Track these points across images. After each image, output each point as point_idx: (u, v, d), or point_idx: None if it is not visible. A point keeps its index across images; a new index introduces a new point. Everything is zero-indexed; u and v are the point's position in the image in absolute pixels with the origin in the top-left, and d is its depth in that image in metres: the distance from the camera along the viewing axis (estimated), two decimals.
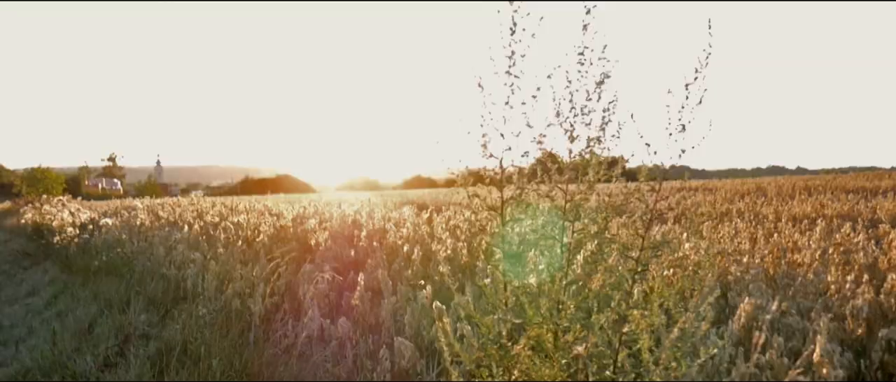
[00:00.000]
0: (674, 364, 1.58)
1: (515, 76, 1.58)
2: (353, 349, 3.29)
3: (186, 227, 7.32)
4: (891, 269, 2.86)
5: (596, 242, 1.70)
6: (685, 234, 3.89)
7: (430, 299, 2.83)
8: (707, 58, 1.47)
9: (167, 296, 5.65)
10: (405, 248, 4.48)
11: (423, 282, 3.11)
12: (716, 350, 1.73)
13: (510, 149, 1.67)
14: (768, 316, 2.44)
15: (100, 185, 70.68)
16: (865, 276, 2.93)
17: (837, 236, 5.16)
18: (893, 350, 2.51)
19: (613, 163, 1.99)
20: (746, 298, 2.41)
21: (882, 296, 2.68)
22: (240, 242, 5.80)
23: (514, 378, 1.53)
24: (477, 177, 1.90)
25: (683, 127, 1.52)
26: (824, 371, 2.02)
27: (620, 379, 1.57)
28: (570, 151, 1.75)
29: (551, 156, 1.89)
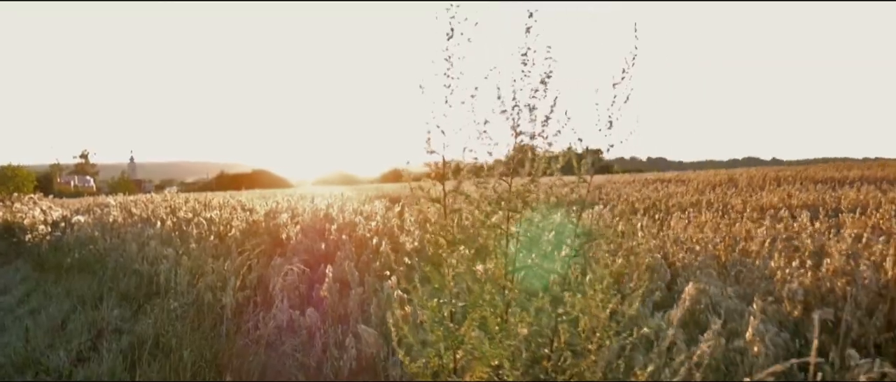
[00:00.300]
0: (607, 342, 1.70)
1: (453, 77, 1.69)
2: (321, 338, 3.39)
3: (159, 223, 7.35)
4: (836, 255, 3.02)
5: (535, 230, 1.81)
6: (619, 222, 4.04)
7: (394, 289, 2.94)
8: (633, 59, 1.59)
9: (140, 292, 5.70)
10: (374, 241, 4.58)
11: (388, 273, 3.21)
12: (647, 330, 1.86)
13: (446, 146, 1.78)
14: (709, 300, 2.59)
15: (72, 183, 69.72)
16: (809, 262, 3.09)
17: (795, 224, 5.35)
18: (828, 330, 2.67)
19: (566, 156, 2.11)
20: (691, 283, 2.55)
21: (820, 280, 2.84)
22: (212, 237, 5.86)
23: (459, 357, 1.64)
24: (438, 173, 2.02)
25: (611, 123, 1.64)
26: (756, 348, 2.16)
27: (557, 357, 1.69)
28: (514, 146, 1.86)
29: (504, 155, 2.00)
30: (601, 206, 10.24)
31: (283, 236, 5.49)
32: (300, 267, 4.15)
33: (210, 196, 14.64)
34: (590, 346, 1.65)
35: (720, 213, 8.62)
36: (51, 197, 23.19)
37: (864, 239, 3.54)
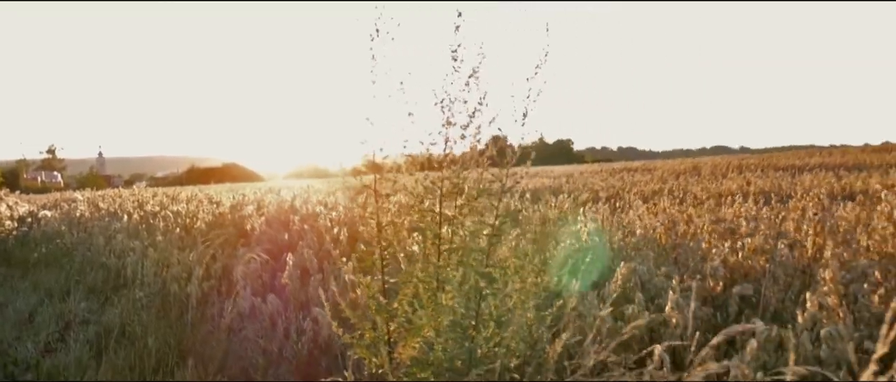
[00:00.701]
0: (529, 315, 1.88)
1: (381, 73, 1.85)
2: (283, 324, 3.54)
3: (126, 217, 7.41)
4: (767, 236, 3.24)
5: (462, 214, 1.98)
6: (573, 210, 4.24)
7: (347, 273, 3.10)
8: (545, 56, 1.76)
9: (108, 284, 5.78)
10: (335, 230, 4.73)
11: (345, 259, 3.38)
12: (562, 301, 2.04)
13: (364, 140, 1.94)
14: (636, 277, 2.79)
15: (39, 179, 68.60)
16: (740, 243, 3.31)
17: (742, 209, 5.60)
18: (751, 305, 2.89)
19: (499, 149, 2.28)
20: (623, 263, 2.75)
21: (744, 258, 3.06)
22: (178, 230, 5.96)
23: (393, 329, 1.81)
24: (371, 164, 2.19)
25: (525, 114, 1.81)
26: (674, 320, 2.36)
27: (481, 326, 1.87)
28: (447, 139, 2.02)
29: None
30: (565, 195, 10.49)
31: (248, 227, 5.61)
32: (263, 256, 4.28)
33: (179, 190, 14.63)
34: (512, 317, 1.83)
35: (679, 201, 8.90)
36: (18, 193, 22.91)
37: (795, 221, 3.79)
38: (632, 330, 2.06)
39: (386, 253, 1.89)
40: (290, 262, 3.87)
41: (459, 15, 2.00)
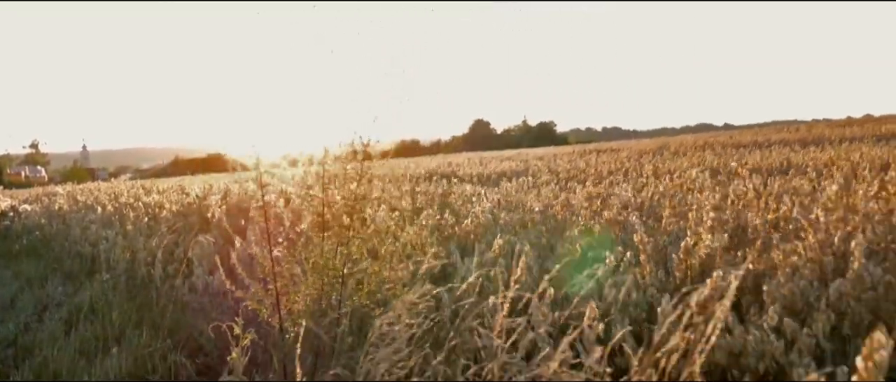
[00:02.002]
0: (385, 272, 2.43)
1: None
2: (231, 297, 4.07)
3: (101, 209, 7.90)
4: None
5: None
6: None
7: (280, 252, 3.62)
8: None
9: (82, 270, 6.29)
10: (284, 215, 5.26)
11: (281, 239, 3.90)
12: (436, 261, 2.58)
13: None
14: (518, 247, 3.34)
15: (23, 173, 68.48)
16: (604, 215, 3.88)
17: (657, 185, 6.19)
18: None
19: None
20: (500, 236, 3.29)
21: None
22: (146, 219, 6.46)
23: (280, 286, 2.35)
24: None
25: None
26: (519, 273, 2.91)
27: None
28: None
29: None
30: (526, 177, 11.05)
31: (209, 215, 6.12)
32: (217, 239, 4.80)
33: (158, 182, 15.10)
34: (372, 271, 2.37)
35: (633, 179, 9.49)
36: (1, 188, 23.25)
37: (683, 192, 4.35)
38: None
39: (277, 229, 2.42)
40: (239, 244, 4.40)
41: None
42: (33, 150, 76.92)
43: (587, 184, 8.75)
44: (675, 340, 1.20)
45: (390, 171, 15.14)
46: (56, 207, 9.54)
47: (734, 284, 1.24)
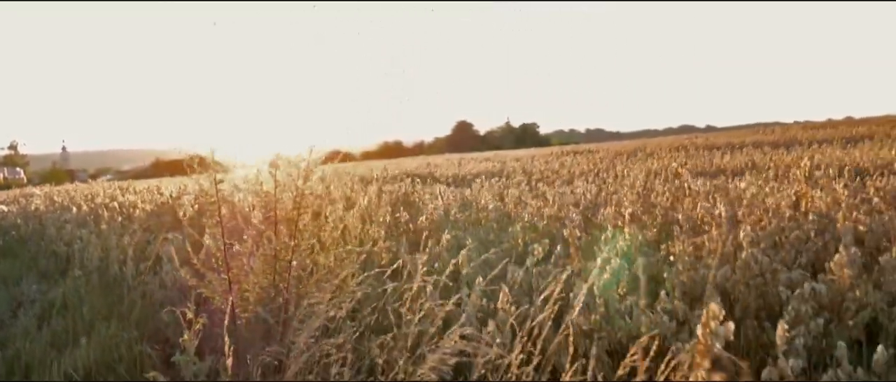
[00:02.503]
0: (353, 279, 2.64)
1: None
2: (195, 291, 4.26)
3: (76, 209, 8.04)
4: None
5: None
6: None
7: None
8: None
9: (57, 269, 6.43)
10: (252, 213, 5.45)
11: (245, 236, 4.09)
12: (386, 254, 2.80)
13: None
14: (447, 236, 3.56)
15: (1, 175, 67.79)
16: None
17: (613, 185, 6.46)
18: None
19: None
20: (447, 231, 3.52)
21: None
22: (120, 218, 6.62)
23: (232, 273, 2.56)
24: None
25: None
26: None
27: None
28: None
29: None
30: (501, 178, 11.30)
31: (181, 214, 6.28)
32: (183, 237, 4.99)
33: (136, 183, 15.18)
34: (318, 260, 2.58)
35: (602, 180, 9.77)
36: None
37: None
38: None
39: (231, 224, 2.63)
40: (207, 241, 4.59)
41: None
42: (12, 152, 76.12)
43: (555, 184, 9.05)
44: (544, 314, 1.43)
45: (368, 171, 15.35)
46: (32, 208, 9.65)
47: (596, 270, 1.47)
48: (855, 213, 3.04)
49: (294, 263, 2.64)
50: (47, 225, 7.81)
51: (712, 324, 1.46)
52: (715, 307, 1.44)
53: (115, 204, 7.86)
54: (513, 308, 2.08)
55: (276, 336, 2.42)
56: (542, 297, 1.95)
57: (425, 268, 3.07)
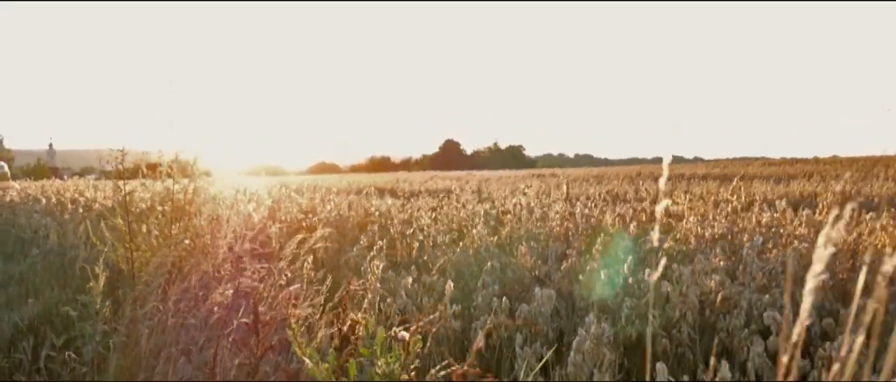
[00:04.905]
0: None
1: None
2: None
3: (45, 201, 8.90)
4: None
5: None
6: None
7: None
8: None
9: (22, 252, 7.29)
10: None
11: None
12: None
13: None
14: (381, 243, 4.47)
15: None
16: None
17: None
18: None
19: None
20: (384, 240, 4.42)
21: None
22: (81, 210, 7.49)
23: (136, 250, 3.46)
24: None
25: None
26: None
27: None
28: None
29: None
30: (447, 195, 12.27)
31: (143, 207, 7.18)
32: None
33: (107, 183, 15.96)
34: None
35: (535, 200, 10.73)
36: None
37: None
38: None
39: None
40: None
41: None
42: None
43: (485, 201, 9.98)
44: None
45: (338, 182, 16.21)
46: (7, 199, 10.49)
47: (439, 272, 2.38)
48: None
49: (187, 242, 3.54)
50: (19, 214, 8.65)
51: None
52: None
53: (82, 198, 8.73)
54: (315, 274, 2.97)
55: (160, 290, 3.32)
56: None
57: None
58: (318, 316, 2.25)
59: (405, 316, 2.59)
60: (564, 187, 11.92)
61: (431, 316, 1.89)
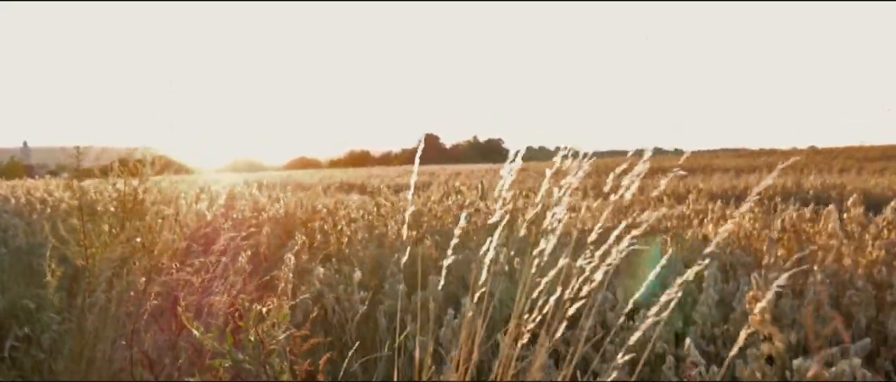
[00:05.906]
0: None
1: None
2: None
3: (14, 200, 9.17)
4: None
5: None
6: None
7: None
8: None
9: None
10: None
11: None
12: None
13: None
14: (304, 238, 4.83)
15: None
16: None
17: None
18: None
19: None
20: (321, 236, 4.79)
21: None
22: (48, 209, 7.78)
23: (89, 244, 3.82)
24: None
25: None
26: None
27: None
28: None
29: None
30: (408, 190, 12.60)
31: (99, 208, 7.48)
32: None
33: (94, 182, 16.13)
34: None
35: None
36: None
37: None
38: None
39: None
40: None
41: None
42: None
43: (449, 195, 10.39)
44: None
45: (309, 178, 16.53)
46: None
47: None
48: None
49: (138, 240, 3.90)
50: None
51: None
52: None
53: (51, 198, 9.00)
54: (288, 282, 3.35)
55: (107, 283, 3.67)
56: None
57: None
58: (230, 302, 2.63)
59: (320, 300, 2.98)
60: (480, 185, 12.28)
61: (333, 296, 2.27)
